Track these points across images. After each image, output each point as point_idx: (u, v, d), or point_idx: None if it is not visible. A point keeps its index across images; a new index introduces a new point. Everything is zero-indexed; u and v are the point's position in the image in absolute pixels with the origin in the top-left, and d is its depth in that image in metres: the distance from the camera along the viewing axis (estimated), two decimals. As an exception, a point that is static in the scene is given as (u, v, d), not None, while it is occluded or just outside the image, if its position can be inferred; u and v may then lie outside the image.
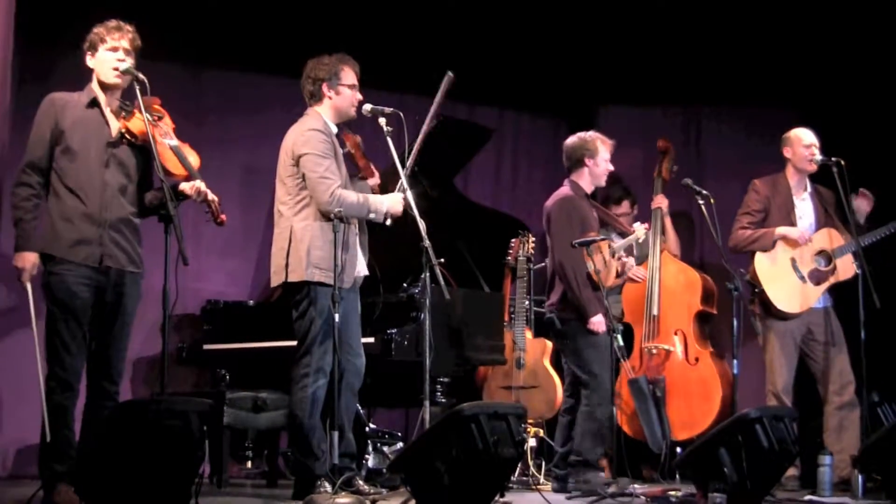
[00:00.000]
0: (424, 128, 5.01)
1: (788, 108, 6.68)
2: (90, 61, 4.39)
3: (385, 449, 5.58)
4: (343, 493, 4.38)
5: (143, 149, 4.39)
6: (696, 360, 6.19)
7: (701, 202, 5.57)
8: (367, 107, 4.87)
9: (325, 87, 4.83)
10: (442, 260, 4.72)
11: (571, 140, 5.67)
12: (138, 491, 3.65)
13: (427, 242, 4.66)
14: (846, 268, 5.72)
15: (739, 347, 5.52)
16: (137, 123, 4.32)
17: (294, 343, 4.74)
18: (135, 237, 4.42)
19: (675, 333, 6.24)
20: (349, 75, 4.85)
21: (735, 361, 5.49)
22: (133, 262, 4.39)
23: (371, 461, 5.51)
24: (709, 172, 6.94)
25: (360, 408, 5.32)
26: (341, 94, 4.84)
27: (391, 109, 4.87)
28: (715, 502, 4.34)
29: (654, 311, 6.27)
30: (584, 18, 6.95)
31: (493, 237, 6.37)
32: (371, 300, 5.33)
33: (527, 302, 6.19)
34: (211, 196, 4.40)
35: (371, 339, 5.23)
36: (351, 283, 4.77)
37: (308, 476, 4.64)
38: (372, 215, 4.79)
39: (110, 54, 4.34)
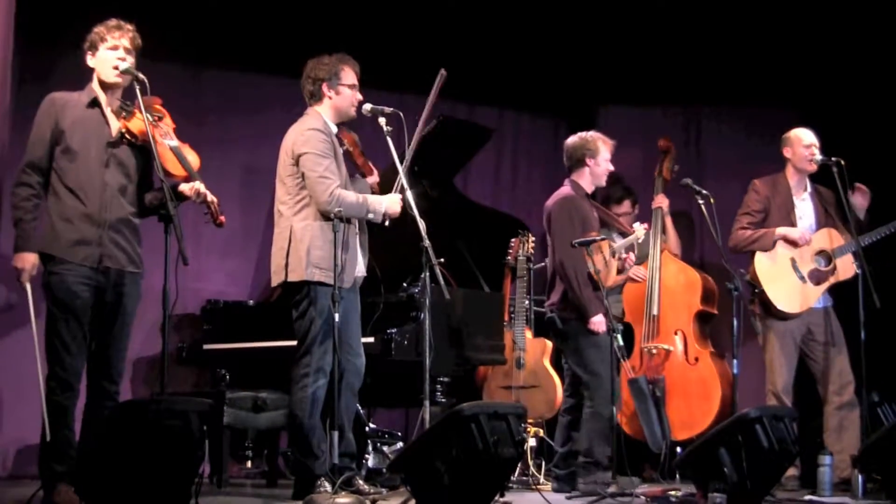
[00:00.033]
0: (420, 125, 5.01)
1: (788, 108, 6.68)
2: (90, 61, 4.39)
3: (385, 449, 5.58)
4: (343, 493, 4.38)
5: (143, 149, 4.39)
6: (696, 359, 6.19)
7: (701, 202, 5.56)
8: (367, 106, 4.88)
9: (325, 87, 4.83)
10: (442, 260, 4.73)
11: (572, 140, 5.67)
12: (138, 491, 3.65)
13: (427, 242, 4.66)
14: (846, 268, 5.72)
15: (739, 347, 5.52)
16: (138, 123, 4.32)
17: (294, 343, 4.74)
18: (134, 237, 4.41)
19: (675, 333, 6.24)
20: (349, 75, 4.85)
21: (735, 361, 5.49)
22: (133, 263, 4.39)
23: (371, 461, 5.51)
24: (709, 172, 6.94)
25: (360, 407, 5.32)
26: (341, 93, 4.84)
27: (391, 109, 4.87)
28: (715, 502, 4.33)
29: (654, 311, 6.27)
30: (585, 18, 6.95)
31: (492, 237, 6.37)
32: (371, 300, 5.33)
33: (527, 302, 6.19)
34: (210, 197, 4.40)
35: (371, 339, 5.23)
36: (351, 283, 4.77)
37: (308, 476, 4.64)
38: (370, 215, 4.79)
39: (111, 53, 4.34)
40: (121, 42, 4.34)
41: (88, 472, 3.81)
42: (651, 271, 6.31)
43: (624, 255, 5.60)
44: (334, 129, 4.85)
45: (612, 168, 5.68)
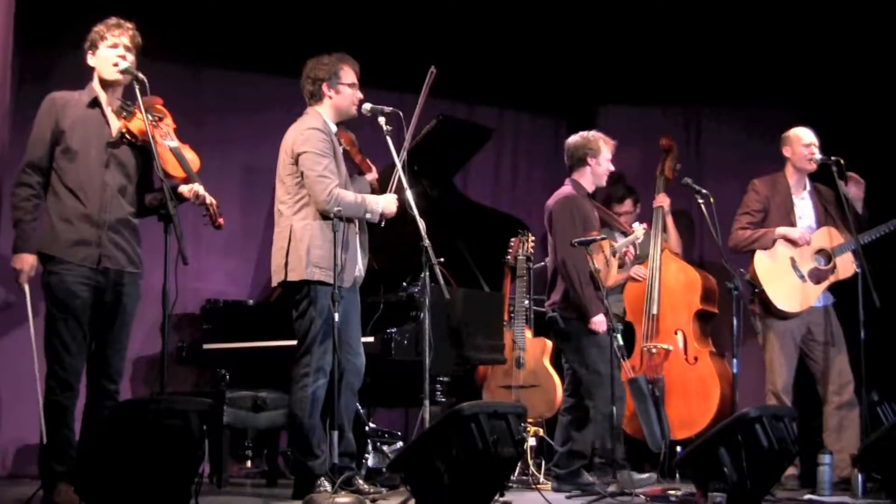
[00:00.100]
0: (412, 123, 5.02)
1: (788, 108, 6.67)
2: (91, 60, 4.39)
3: (385, 448, 5.58)
4: (343, 493, 4.38)
5: (143, 149, 4.38)
6: (696, 359, 6.19)
7: (701, 202, 5.56)
8: (367, 106, 4.88)
9: (325, 87, 4.83)
10: (442, 259, 4.73)
11: (574, 139, 5.67)
12: (138, 490, 3.65)
13: (427, 242, 4.67)
14: (846, 266, 5.72)
15: (739, 347, 5.52)
16: (138, 124, 4.31)
17: (294, 342, 4.74)
18: (134, 237, 4.41)
19: (675, 333, 6.24)
20: (349, 74, 4.85)
21: (735, 361, 5.49)
22: (132, 263, 4.39)
23: (371, 460, 5.51)
24: (709, 172, 6.94)
25: (359, 407, 5.32)
26: (341, 93, 4.84)
27: (391, 109, 4.88)
28: (715, 502, 4.34)
29: (654, 311, 6.27)
30: (585, 18, 6.95)
31: (492, 236, 6.37)
32: (372, 300, 5.33)
33: (526, 301, 6.19)
34: (209, 199, 4.40)
35: (371, 339, 5.23)
36: (351, 283, 4.77)
37: (308, 475, 4.64)
38: (368, 215, 4.79)
39: (111, 51, 4.34)
40: (121, 40, 4.34)
41: (88, 471, 3.81)
42: (651, 271, 6.32)
43: (624, 250, 5.61)
44: (334, 129, 4.85)
45: (612, 168, 5.69)
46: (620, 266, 5.68)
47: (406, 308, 5.44)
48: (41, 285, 4.33)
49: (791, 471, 5.53)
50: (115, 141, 4.36)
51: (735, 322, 5.46)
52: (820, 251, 5.82)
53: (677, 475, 5.59)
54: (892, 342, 5.92)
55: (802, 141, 5.87)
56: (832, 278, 5.77)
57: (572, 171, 5.65)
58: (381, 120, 4.83)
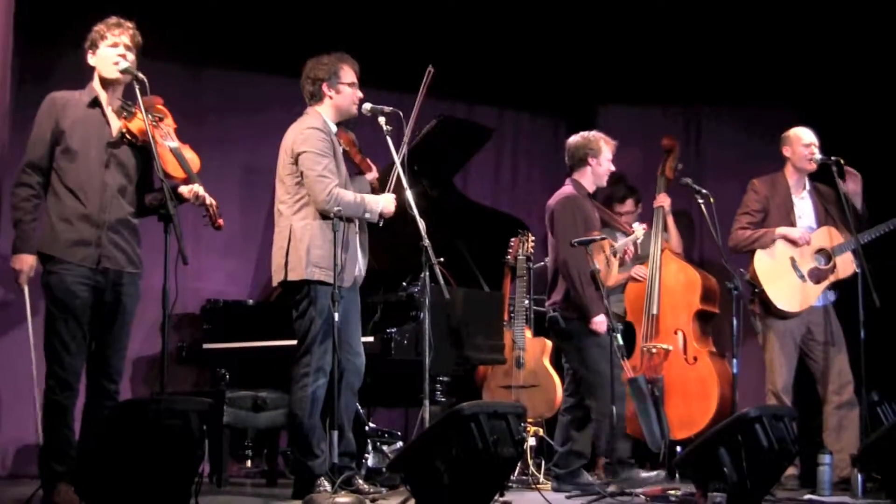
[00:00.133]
0: (410, 122, 5.02)
1: (788, 108, 6.67)
2: (91, 59, 4.39)
3: (385, 448, 5.58)
4: (342, 493, 4.38)
5: (143, 149, 4.38)
6: (695, 359, 6.19)
7: (700, 202, 5.57)
8: (367, 106, 4.88)
9: (325, 87, 4.83)
10: (441, 259, 4.73)
11: (575, 139, 5.67)
12: (138, 490, 3.65)
13: (427, 242, 4.66)
14: (846, 266, 5.72)
15: (739, 347, 5.52)
16: (138, 124, 4.31)
17: (294, 342, 4.74)
18: (133, 238, 4.41)
19: (675, 332, 6.24)
20: (348, 74, 4.85)
21: (735, 361, 5.49)
22: (132, 263, 4.39)
23: (371, 460, 5.51)
24: (708, 172, 6.94)
25: (359, 407, 5.32)
26: (342, 92, 4.84)
27: (391, 109, 4.88)
28: (715, 501, 4.34)
29: (654, 311, 6.27)
30: (584, 18, 6.95)
31: (492, 236, 6.36)
32: (371, 300, 5.33)
33: (526, 301, 6.19)
34: (209, 200, 4.40)
35: (371, 339, 5.23)
36: (351, 283, 4.77)
37: (308, 475, 4.64)
38: (367, 215, 4.79)
39: (111, 50, 4.33)
40: (121, 39, 4.34)
41: (88, 471, 3.81)
42: (651, 271, 6.32)
43: (624, 249, 5.61)
44: (334, 129, 4.85)
45: (613, 168, 5.69)
46: (620, 265, 5.68)
47: (406, 308, 5.44)
48: (41, 285, 4.33)
49: (791, 471, 5.53)
50: (115, 141, 4.36)
51: (735, 322, 5.46)
52: (820, 251, 5.82)
53: (677, 475, 5.59)
54: (892, 342, 5.93)
55: (802, 141, 5.87)
56: (832, 278, 5.77)
57: (573, 171, 5.65)
58: (381, 120, 4.83)
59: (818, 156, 5.82)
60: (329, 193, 4.63)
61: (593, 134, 5.66)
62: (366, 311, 5.07)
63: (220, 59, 6.63)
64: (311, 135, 4.72)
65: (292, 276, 4.68)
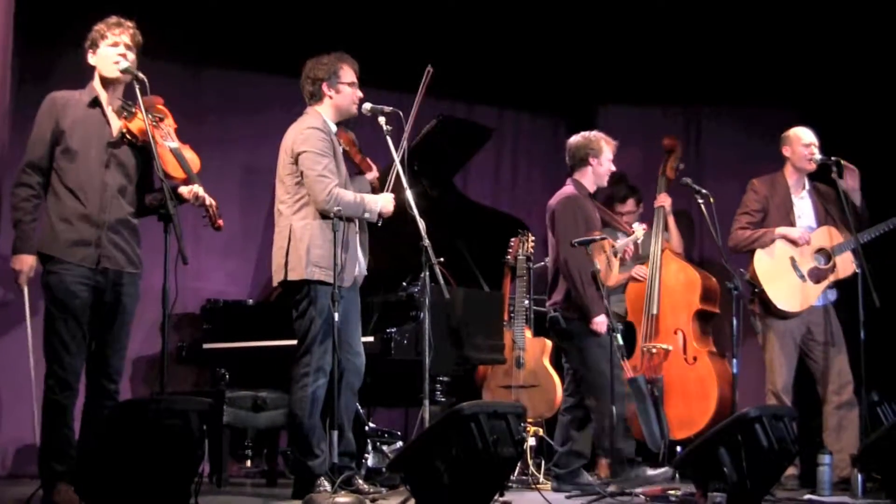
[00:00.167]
0: (409, 122, 5.02)
1: (788, 108, 6.67)
2: (91, 58, 4.39)
3: (384, 448, 5.58)
4: (342, 493, 4.38)
5: (143, 149, 4.38)
6: (695, 359, 6.20)
7: (700, 202, 5.57)
8: (367, 106, 4.88)
9: (324, 87, 4.83)
10: (441, 259, 4.72)
11: (576, 139, 5.67)
12: (138, 490, 3.65)
13: (426, 241, 4.66)
14: (846, 265, 5.72)
15: (739, 347, 5.52)
16: (139, 124, 4.31)
17: (294, 342, 4.74)
18: (133, 238, 4.41)
19: (675, 332, 6.24)
20: (348, 73, 4.85)
21: (735, 361, 5.49)
22: (132, 263, 4.39)
23: (370, 460, 5.51)
24: (708, 172, 6.95)
25: (359, 407, 5.32)
26: (341, 92, 4.84)
27: (391, 108, 4.88)
28: (715, 502, 4.34)
29: (654, 311, 6.27)
30: (584, 18, 6.95)
31: (492, 236, 6.36)
32: (371, 300, 5.33)
33: (526, 301, 6.19)
34: (209, 201, 4.39)
35: (371, 339, 5.23)
36: (351, 282, 4.77)
37: (307, 475, 4.64)
38: (367, 215, 4.79)
39: (111, 49, 4.33)
40: (121, 39, 4.34)
41: (88, 471, 3.81)
42: (652, 271, 6.32)
43: (624, 249, 5.62)
44: (334, 129, 4.85)
45: (614, 168, 5.69)
46: (621, 265, 5.68)
47: (406, 308, 5.44)
48: (41, 285, 4.33)
49: (791, 471, 5.52)
50: (115, 141, 4.35)
51: (735, 322, 5.46)
52: (820, 250, 5.82)
53: (677, 475, 5.59)
54: (892, 342, 5.92)
55: (802, 141, 5.87)
56: (832, 277, 5.76)
57: (574, 171, 5.65)
58: (381, 120, 4.83)
59: (818, 156, 5.82)
60: (329, 193, 4.63)
61: (594, 134, 5.67)
62: (366, 311, 5.06)
63: (220, 59, 6.63)
64: (310, 135, 4.72)
65: (292, 276, 4.68)
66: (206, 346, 6.01)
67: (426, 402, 4.66)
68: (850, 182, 5.75)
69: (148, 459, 3.66)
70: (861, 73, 6.52)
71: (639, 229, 5.65)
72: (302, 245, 4.66)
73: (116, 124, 4.37)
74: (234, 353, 5.91)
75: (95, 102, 4.37)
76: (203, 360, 6.10)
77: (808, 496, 5.17)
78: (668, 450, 5.82)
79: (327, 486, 4.52)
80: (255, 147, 6.49)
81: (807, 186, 5.96)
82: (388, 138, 4.79)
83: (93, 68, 4.39)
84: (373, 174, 5.03)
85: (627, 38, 7.04)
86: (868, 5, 6.32)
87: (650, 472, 5.36)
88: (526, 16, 6.92)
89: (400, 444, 5.63)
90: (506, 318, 6.17)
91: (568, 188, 5.61)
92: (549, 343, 6.13)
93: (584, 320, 5.39)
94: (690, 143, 7.29)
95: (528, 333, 6.19)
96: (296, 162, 4.71)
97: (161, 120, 4.42)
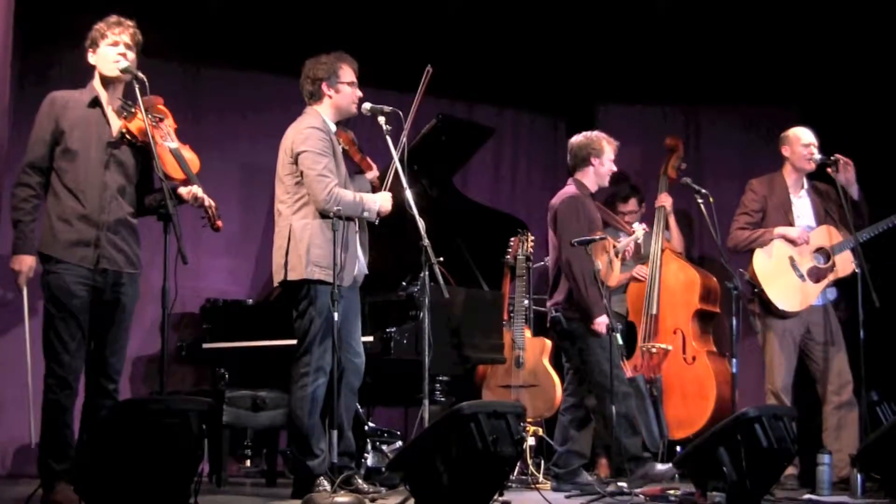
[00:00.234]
0: (408, 122, 5.02)
1: (788, 108, 6.68)
2: (91, 58, 4.38)
3: (384, 448, 5.58)
4: (342, 492, 4.38)
5: (142, 149, 4.37)
6: (694, 359, 6.20)
7: (700, 201, 5.56)
8: (367, 105, 4.88)
9: (324, 87, 4.83)
10: (441, 258, 4.72)
11: (577, 139, 5.67)
12: (137, 490, 3.65)
13: (426, 241, 4.66)
14: (845, 264, 5.72)
15: (738, 346, 5.52)
16: (138, 124, 4.30)
17: (293, 342, 4.74)
18: (133, 238, 4.40)
19: (675, 332, 6.25)
20: (348, 73, 4.85)
21: (734, 361, 5.48)
22: (131, 263, 4.38)
23: (370, 460, 5.51)
24: (708, 172, 6.96)
25: (359, 406, 5.32)
26: (341, 91, 4.84)
27: (391, 108, 4.87)
28: (714, 501, 4.34)
29: (654, 311, 6.27)
30: (584, 18, 6.95)
31: (492, 236, 6.36)
32: (371, 300, 5.33)
33: (526, 301, 6.19)
34: (208, 202, 4.39)
35: (371, 338, 5.23)
36: (351, 282, 4.77)
37: (307, 475, 4.64)
38: (366, 214, 4.79)
39: (111, 49, 4.33)
40: (121, 38, 4.34)
41: (87, 470, 3.80)
42: (652, 270, 6.32)
43: (624, 249, 5.62)
44: (333, 128, 4.85)
45: (615, 168, 5.69)
46: (623, 262, 5.68)
47: (406, 307, 5.44)
48: (40, 285, 4.32)
49: (790, 470, 5.52)
50: (115, 141, 4.35)
51: (734, 322, 5.46)
52: (819, 250, 5.82)
53: (676, 475, 5.59)
54: (892, 342, 5.93)
55: (802, 141, 5.87)
56: (831, 276, 5.76)
57: (575, 171, 5.65)
58: (381, 119, 4.83)
59: (817, 156, 5.82)
60: (329, 193, 4.63)
61: (596, 134, 5.66)
62: (365, 311, 5.06)
63: (220, 59, 6.63)
64: (310, 134, 4.72)
65: (292, 276, 4.68)
66: (205, 345, 6.01)
67: (426, 401, 4.66)
68: (847, 175, 5.75)
69: (147, 459, 3.66)
70: (861, 72, 6.53)
71: (639, 229, 5.65)
72: (302, 245, 4.66)
73: (116, 124, 4.36)
74: (234, 353, 5.91)
75: (95, 102, 4.36)
76: (203, 360, 6.10)
77: (807, 496, 5.16)
78: (667, 449, 5.82)
79: (327, 485, 4.52)
80: (254, 147, 6.49)
81: (805, 186, 5.96)
82: (388, 138, 4.79)
83: (93, 68, 4.39)
84: (373, 173, 5.03)
85: (627, 37, 7.04)
86: (868, 5, 6.32)
87: (659, 467, 5.34)
88: (525, 16, 6.92)
89: (399, 443, 5.63)
90: (505, 317, 6.18)
91: (570, 188, 5.61)
92: (548, 343, 6.13)
93: (586, 321, 5.38)
94: (690, 142, 7.29)
95: (528, 333, 6.19)
96: (295, 161, 4.71)
97: (161, 120, 4.41)
